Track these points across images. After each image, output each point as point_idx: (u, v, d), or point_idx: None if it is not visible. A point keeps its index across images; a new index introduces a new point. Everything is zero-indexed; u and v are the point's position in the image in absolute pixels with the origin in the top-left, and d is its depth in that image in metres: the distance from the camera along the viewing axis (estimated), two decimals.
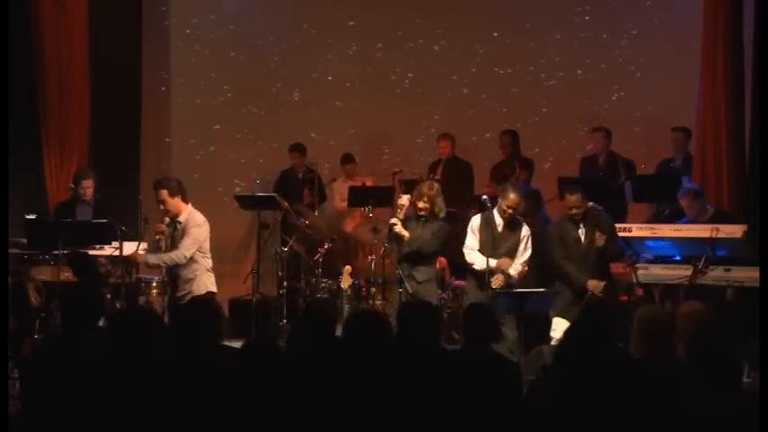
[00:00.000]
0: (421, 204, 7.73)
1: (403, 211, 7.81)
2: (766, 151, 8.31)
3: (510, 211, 7.69)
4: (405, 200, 7.88)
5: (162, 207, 7.59)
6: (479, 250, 7.74)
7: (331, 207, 10.90)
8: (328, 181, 10.87)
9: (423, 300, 7.03)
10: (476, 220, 7.88)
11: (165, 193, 7.53)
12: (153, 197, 7.69)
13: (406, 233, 7.71)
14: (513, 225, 7.77)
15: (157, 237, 7.67)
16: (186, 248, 7.53)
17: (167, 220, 7.66)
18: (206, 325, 4.92)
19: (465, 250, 7.83)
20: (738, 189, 9.10)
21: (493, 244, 7.72)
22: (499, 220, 7.77)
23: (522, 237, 7.77)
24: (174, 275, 7.70)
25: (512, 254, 7.73)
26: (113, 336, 4.72)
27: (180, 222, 7.60)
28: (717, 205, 8.75)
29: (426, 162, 10.67)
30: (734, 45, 9.15)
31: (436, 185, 7.95)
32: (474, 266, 7.73)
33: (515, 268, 7.71)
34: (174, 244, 7.60)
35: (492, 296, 7.41)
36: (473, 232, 7.83)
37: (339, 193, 10.66)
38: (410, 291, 7.62)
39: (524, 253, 7.79)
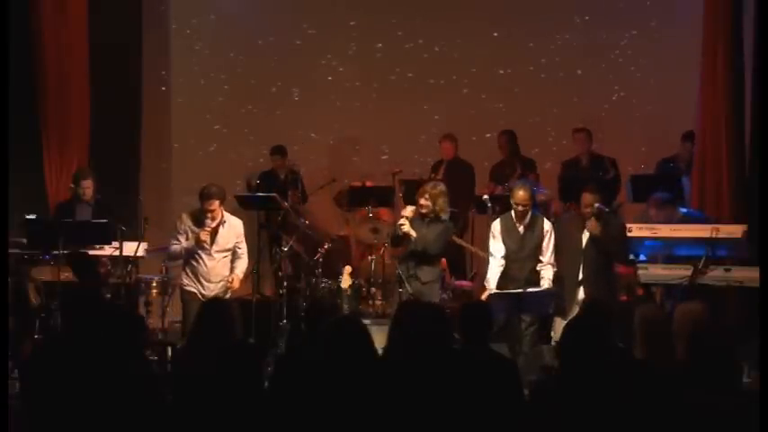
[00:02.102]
0: (422, 201, 7.73)
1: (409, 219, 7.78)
2: (766, 152, 8.31)
3: (521, 208, 7.68)
4: (409, 211, 7.85)
5: (210, 215, 7.88)
6: (504, 255, 7.75)
7: (314, 209, 10.82)
8: (325, 183, 10.77)
9: (428, 302, 7.02)
10: (496, 225, 7.87)
11: (218, 202, 7.90)
12: (153, 197, 7.74)
13: (413, 233, 7.71)
14: (533, 223, 7.77)
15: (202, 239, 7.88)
16: (245, 249, 8.13)
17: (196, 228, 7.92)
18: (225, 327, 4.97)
19: (489, 258, 7.85)
20: (738, 189, 9.09)
21: (517, 246, 7.74)
22: (518, 221, 7.77)
23: (545, 232, 7.76)
24: (203, 273, 7.99)
25: (536, 252, 7.73)
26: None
27: (225, 222, 7.98)
28: (713, 210, 8.74)
29: (426, 162, 10.65)
30: (734, 45, 9.14)
31: (441, 186, 7.93)
32: (488, 283, 7.74)
33: (547, 278, 7.71)
34: (216, 241, 7.95)
35: None
36: (494, 237, 7.83)
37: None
38: (411, 291, 7.61)
39: (550, 249, 7.77)
